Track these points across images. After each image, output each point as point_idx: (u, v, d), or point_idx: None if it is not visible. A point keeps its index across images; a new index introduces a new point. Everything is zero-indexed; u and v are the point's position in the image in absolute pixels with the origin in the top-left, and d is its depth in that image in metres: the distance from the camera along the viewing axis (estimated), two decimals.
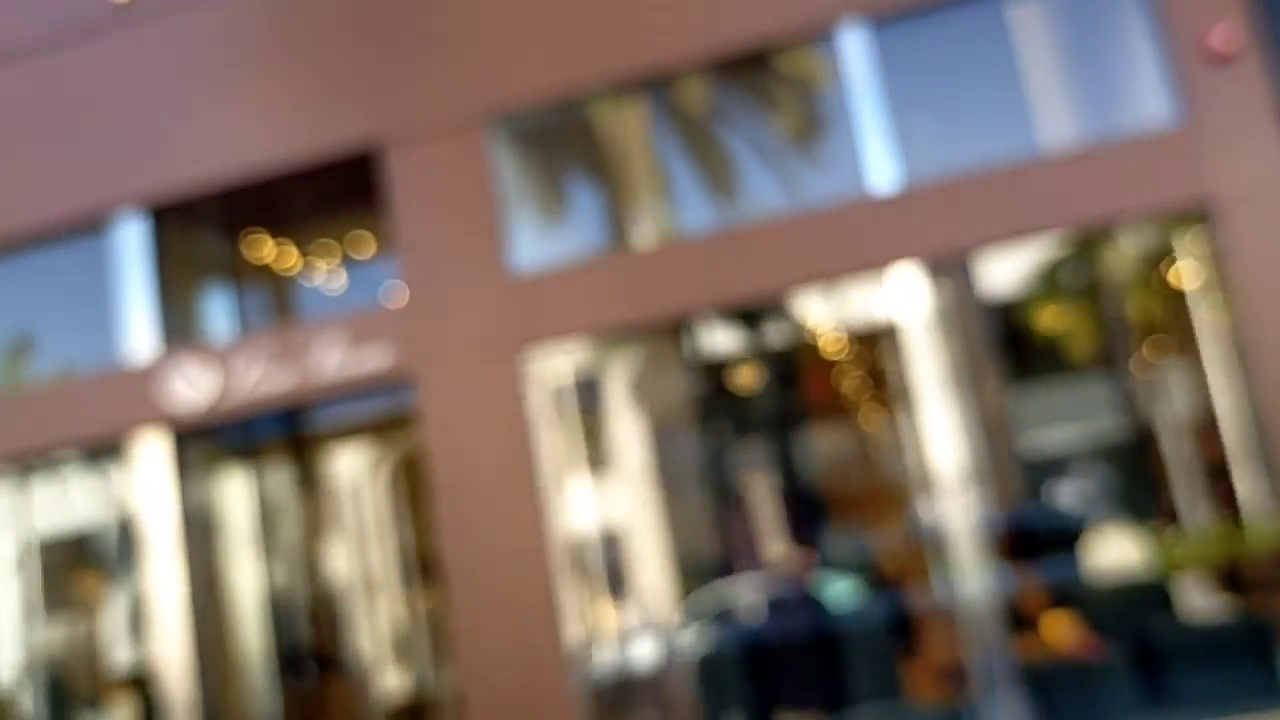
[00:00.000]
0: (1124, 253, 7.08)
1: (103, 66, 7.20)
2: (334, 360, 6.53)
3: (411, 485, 8.10)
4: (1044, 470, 7.08)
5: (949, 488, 5.85)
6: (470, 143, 6.47)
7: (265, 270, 7.87)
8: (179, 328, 7.18)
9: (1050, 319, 7.31)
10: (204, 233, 7.63)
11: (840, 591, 6.64)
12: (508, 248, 6.39)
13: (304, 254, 7.89)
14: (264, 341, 6.72)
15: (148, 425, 6.78)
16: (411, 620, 8.08)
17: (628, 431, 6.98)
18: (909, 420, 6.05)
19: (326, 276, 7.89)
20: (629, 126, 6.69)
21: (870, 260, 5.99)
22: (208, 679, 6.80)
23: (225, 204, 7.25)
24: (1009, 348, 7.01)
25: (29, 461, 7.18)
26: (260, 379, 6.63)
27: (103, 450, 7.26)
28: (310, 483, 8.07)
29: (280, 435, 8.07)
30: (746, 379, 7.01)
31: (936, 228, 5.93)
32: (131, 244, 7.09)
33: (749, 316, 6.97)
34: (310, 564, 8.04)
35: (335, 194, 7.31)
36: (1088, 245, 6.97)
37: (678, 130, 6.74)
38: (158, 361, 6.82)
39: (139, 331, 6.99)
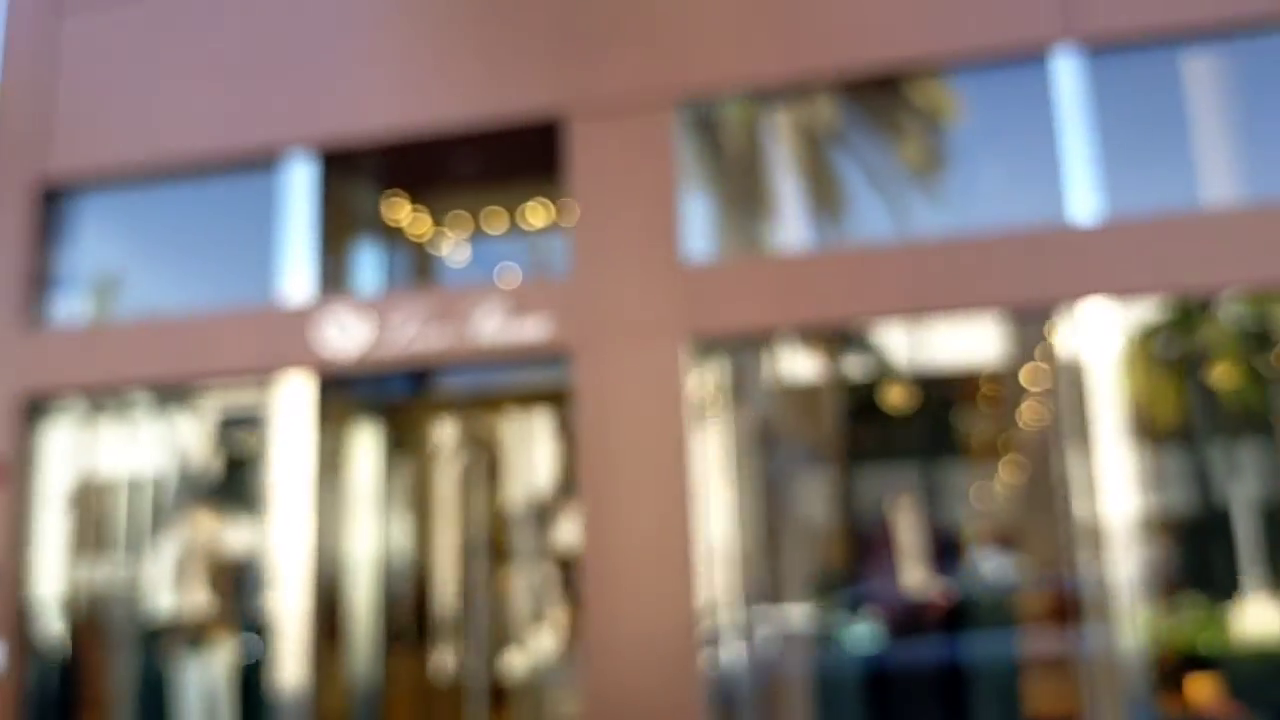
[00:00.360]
0: (1227, 327, 6.91)
1: (293, 3, 7.23)
2: (492, 326, 6.49)
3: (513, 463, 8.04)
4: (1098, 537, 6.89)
5: (1111, 536, 5.71)
6: (659, 125, 6.43)
7: (419, 229, 7.87)
8: (332, 275, 7.18)
9: (1136, 385, 7.14)
10: (365, 184, 7.62)
11: (859, 635, 6.52)
12: (683, 234, 6.33)
13: (459, 218, 7.88)
14: (422, 299, 6.69)
15: (296, 367, 6.76)
16: (496, 600, 8.00)
17: (724, 437, 6.78)
18: (1073, 463, 5.92)
19: (480, 243, 7.86)
20: (815, 127, 6.63)
21: (1059, 292, 5.87)
22: (319, 632, 6.76)
23: (391, 158, 7.26)
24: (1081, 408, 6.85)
25: (170, 389, 7.19)
26: (415, 336, 6.60)
27: (173, 394, 7.28)
28: (428, 448, 8.03)
29: (407, 396, 8.05)
30: (895, 400, 6.89)
31: (1132, 266, 5.82)
32: (298, 186, 7.09)
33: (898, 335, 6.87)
34: (419, 531, 7.99)
35: (501, 162, 7.30)
36: (1188, 314, 6.82)
37: (847, 140, 6.66)
38: (313, 305, 6.80)
39: (296, 273, 6.98)
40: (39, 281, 7.44)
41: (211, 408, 7.75)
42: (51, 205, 7.57)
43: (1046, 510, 6.30)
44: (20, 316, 7.30)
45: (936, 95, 6.61)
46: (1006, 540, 6.66)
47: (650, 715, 5.87)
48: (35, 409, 7.28)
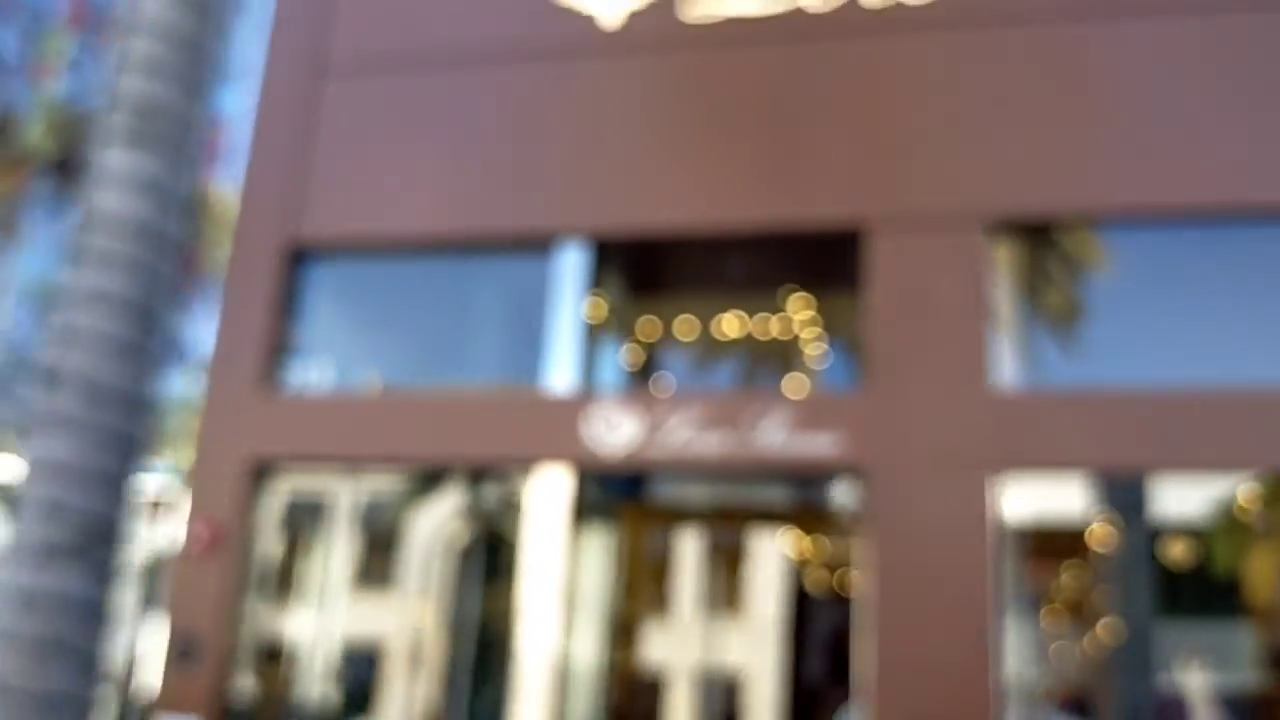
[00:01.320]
0: None
1: (579, 88, 7.12)
2: (778, 438, 6.18)
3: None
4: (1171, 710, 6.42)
5: None
6: (968, 245, 6.20)
7: (682, 330, 7.59)
8: (592, 368, 6.92)
9: (1229, 557, 6.73)
10: (631, 279, 7.39)
11: None
12: (992, 359, 6.05)
13: (722, 322, 7.61)
14: (699, 402, 6.40)
15: (558, 459, 6.46)
16: None
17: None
18: None
19: (739, 352, 7.57)
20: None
21: None
22: None
23: (662, 255, 7.07)
24: (1170, 578, 6.46)
25: (424, 468, 6.91)
26: (691, 439, 6.30)
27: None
28: (654, 555, 7.68)
29: (629, 499, 7.71)
30: (1176, 554, 6.49)
31: None
32: (566, 274, 6.89)
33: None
34: (644, 644, 7.59)
35: (775, 270, 7.10)
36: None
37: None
38: (579, 397, 6.53)
39: (557, 363, 6.73)
40: (279, 346, 7.21)
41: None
42: (297, 270, 7.38)
43: None
44: (259, 381, 7.06)
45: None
46: None
47: None
48: (263, 474, 6.99)
